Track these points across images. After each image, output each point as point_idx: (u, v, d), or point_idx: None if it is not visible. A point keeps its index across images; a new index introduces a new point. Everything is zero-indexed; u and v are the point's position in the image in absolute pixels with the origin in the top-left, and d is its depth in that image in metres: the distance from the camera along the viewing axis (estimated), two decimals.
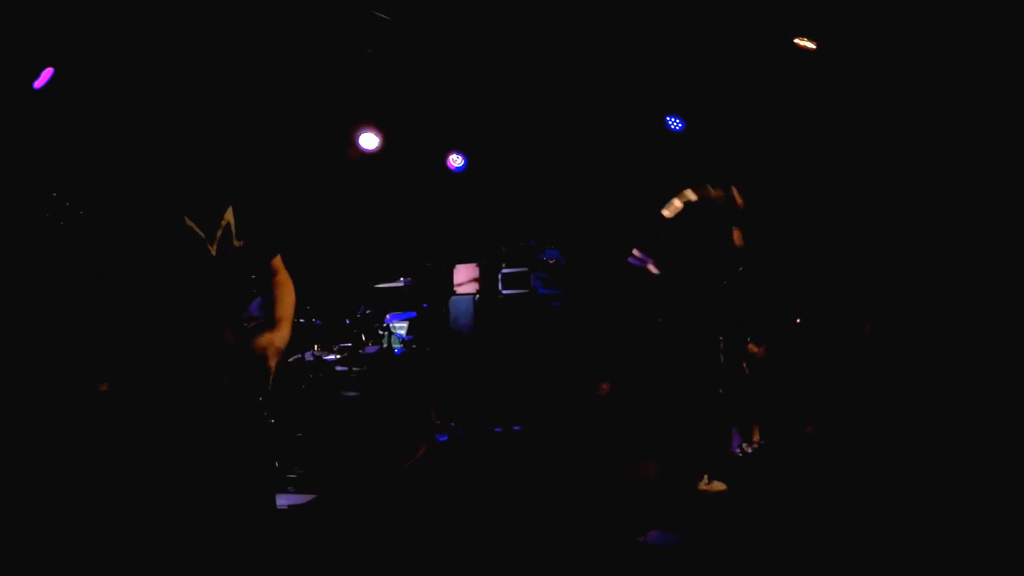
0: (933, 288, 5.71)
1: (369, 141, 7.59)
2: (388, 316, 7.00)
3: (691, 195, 4.68)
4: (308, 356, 5.78)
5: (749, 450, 5.06)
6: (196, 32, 5.15)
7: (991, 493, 3.91)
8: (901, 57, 5.88)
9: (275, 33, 5.91)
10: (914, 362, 5.48)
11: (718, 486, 4.59)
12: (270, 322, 2.77)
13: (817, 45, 5.89)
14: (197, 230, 2.51)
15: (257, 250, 2.72)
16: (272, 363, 2.67)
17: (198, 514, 2.40)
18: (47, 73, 4.57)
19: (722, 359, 4.67)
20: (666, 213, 4.67)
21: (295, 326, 2.92)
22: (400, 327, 6.96)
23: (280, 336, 2.72)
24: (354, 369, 5.89)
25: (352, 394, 5.70)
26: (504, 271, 7.31)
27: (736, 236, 4.66)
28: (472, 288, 7.37)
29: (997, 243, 5.49)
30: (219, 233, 2.56)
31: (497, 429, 6.61)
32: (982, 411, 4.84)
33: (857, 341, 5.64)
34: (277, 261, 2.84)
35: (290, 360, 5.60)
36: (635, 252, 4.77)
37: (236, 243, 2.61)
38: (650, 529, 3.88)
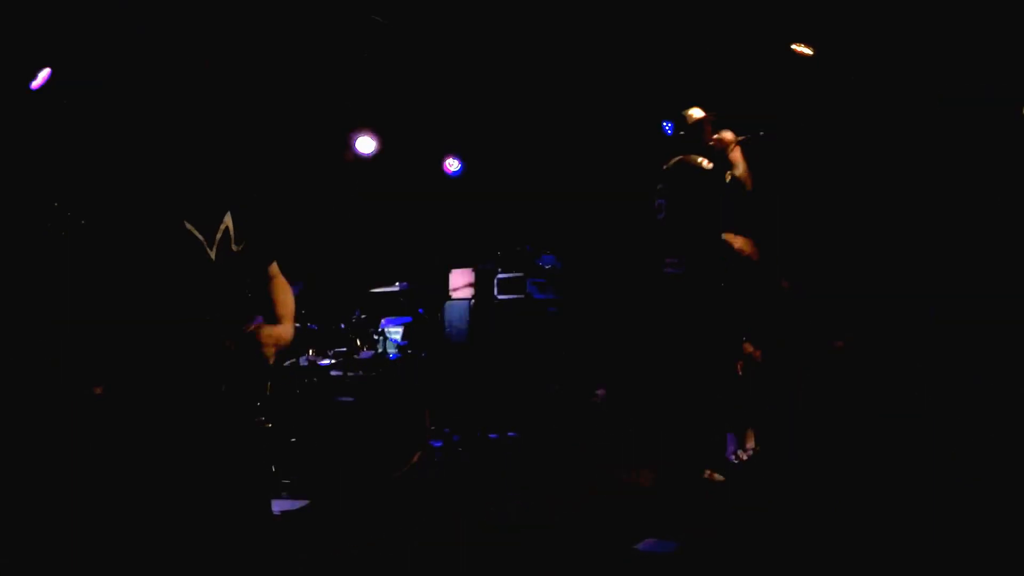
0: (931, 288, 5.71)
1: (366, 145, 7.60)
2: (383, 321, 6.98)
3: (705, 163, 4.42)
4: (303, 361, 5.76)
5: (744, 457, 5.05)
6: (194, 35, 5.14)
7: (991, 493, 3.91)
8: (899, 60, 5.89)
9: (273, 37, 5.90)
10: (913, 362, 5.48)
11: (718, 476, 4.64)
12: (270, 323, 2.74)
13: (814, 51, 5.91)
14: (196, 234, 2.49)
15: (255, 255, 2.70)
16: (271, 355, 2.63)
17: (194, 519, 2.38)
18: (45, 74, 4.55)
19: (720, 362, 4.63)
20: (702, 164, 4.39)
21: None
22: (395, 332, 6.94)
23: (285, 329, 2.69)
24: (349, 374, 5.86)
25: (347, 399, 5.67)
26: (500, 276, 7.29)
27: (743, 244, 4.43)
28: (468, 293, 7.36)
29: (995, 244, 5.50)
30: (218, 237, 2.54)
31: (492, 435, 6.59)
32: (981, 411, 4.84)
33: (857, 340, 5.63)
34: (273, 267, 2.82)
35: (285, 364, 5.58)
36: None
37: (235, 247, 2.59)
38: (645, 536, 3.87)
